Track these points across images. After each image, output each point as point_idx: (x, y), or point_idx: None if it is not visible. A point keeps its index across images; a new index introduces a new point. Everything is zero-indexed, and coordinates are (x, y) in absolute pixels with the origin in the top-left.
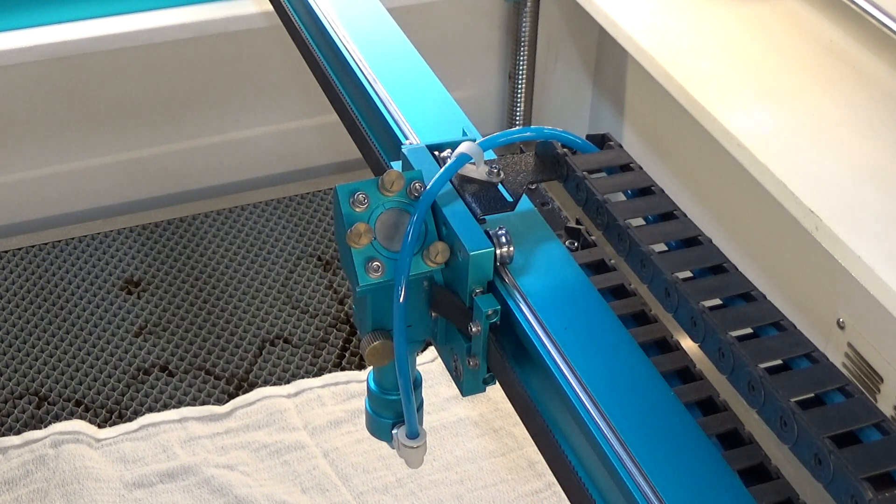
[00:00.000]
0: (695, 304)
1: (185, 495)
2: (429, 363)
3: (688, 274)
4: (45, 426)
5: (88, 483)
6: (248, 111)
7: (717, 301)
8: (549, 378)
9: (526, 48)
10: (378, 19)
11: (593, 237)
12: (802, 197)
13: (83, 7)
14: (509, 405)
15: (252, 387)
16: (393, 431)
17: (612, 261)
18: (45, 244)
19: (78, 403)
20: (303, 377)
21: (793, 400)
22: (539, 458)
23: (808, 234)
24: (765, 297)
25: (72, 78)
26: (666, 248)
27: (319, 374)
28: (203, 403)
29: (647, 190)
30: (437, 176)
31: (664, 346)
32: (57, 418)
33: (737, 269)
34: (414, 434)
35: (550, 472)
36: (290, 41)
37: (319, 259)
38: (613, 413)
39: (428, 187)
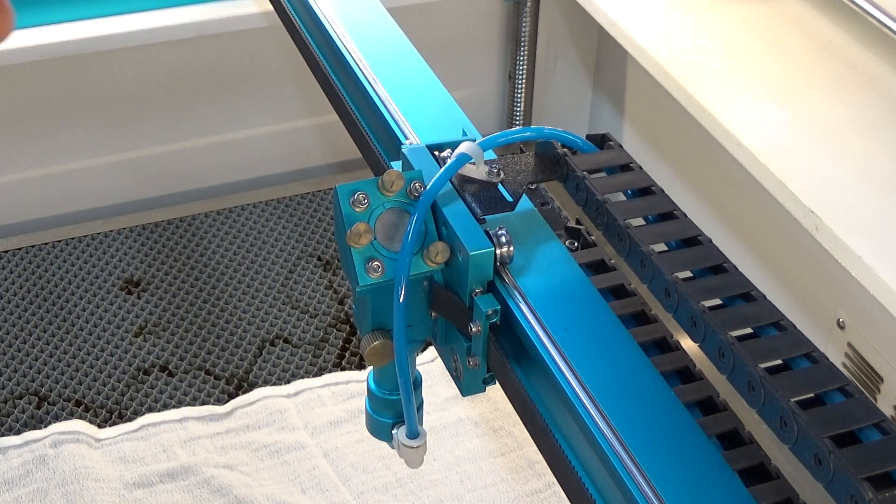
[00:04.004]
0: (695, 304)
1: (185, 495)
2: (429, 363)
3: (688, 274)
4: (45, 426)
5: (88, 483)
6: (248, 111)
7: (717, 301)
8: (549, 378)
9: (526, 48)
10: (378, 19)
11: (593, 237)
12: (802, 197)
13: (83, 7)
14: (509, 405)
15: (252, 387)
16: (393, 431)
17: (612, 261)
18: (45, 244)
19: (78, 403)
20: (303, 377)
21: (793, 400)
22: (539, 458)
23: (808, 234)
24: (765, 297)
25: (72, 78)
26: (666, 248)
27: (319, 374)
28: (203, 403)
29: (647, 190)
30: (437, 176)
31: (664, 346)
32: (57, 418)
33: (737, 269)
34: (414, 434)
35: (550, 472)
36: (290, 41)
37: (319, 259)
38: (613, 413)
39: (428, 187)
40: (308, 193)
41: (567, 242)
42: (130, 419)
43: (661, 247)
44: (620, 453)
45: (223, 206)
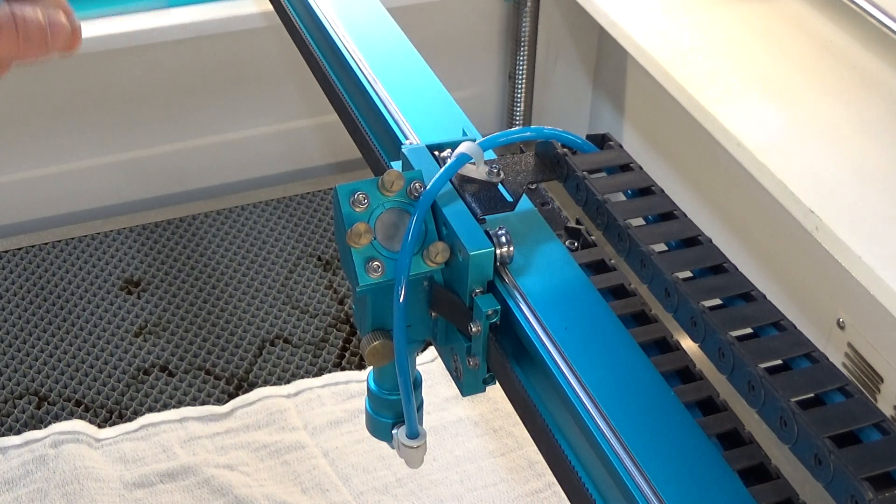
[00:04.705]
0: (695, 304)
1: (185, 495)
2: (429, 363)
3: (688, 274)
4: (45, 426)
5: (88, 483)
6: (248, 111)
7: (718, 301)
8: (549, 378)
9: (526, 48)
10: (378, 19)
11: (593, 237)
12: (802, 197)
13: (83, 7)
14: (509, 405)
15: (252, 387)
16: (393, 431)
17: (612, 261)
18: (45, 244)
19: (78, 403)
20: (303, 377)
21: (793, 400)
22: (539, 458)
23: (808, 234)
24: (765, 297)
25: (72, 78)
26: (666, 248)
27: (319, 374)
28: (203, 403)
29: (647, 190)
30: (437, 176)
31: (664, 346)
32: (57, 418)
33: (737, 269)
34: (414, 434)
35: (550, 472)
36: (290, 41)
37: (319, 259)
38: (613, 413)
39: (428, 187)
40: (308, 193)
41: (567, 242)
42: (130, 419)
43: (661, 247)
44: (620, 453)
45: (223, 206)
